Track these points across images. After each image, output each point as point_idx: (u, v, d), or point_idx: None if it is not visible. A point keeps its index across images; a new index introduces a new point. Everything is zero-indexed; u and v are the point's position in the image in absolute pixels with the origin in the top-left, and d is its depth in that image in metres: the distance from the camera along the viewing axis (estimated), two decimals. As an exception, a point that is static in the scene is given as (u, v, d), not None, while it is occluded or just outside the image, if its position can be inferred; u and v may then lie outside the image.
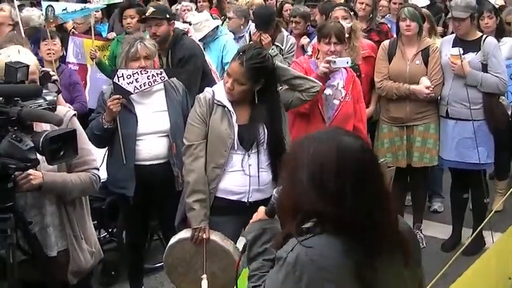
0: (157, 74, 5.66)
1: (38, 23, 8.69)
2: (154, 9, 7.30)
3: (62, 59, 8.45)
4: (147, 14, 7.29)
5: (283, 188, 2.82)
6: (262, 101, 5.10)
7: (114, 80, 5.62)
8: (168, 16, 7.25)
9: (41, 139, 3.62)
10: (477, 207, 7.35)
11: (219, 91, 5.11)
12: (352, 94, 6.21)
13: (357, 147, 2.66)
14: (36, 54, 7.93)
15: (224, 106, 5.05)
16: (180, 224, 5.31)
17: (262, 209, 3.25)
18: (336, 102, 6.14)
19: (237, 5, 11.40)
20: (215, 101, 5.06)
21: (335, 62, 5.83)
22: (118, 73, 5.61)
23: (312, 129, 5.85)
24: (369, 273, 2.59)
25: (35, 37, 8.26)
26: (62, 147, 3.72)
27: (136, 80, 5.60)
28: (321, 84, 5.52)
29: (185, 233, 5.14)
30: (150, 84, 5.65)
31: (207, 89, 5.20)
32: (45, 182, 4.07)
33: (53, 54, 7.58)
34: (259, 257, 3.08)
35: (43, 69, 5.29)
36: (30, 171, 3.93)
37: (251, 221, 3.26)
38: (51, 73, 5.45)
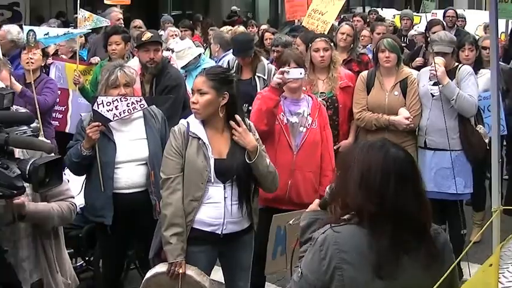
0: (136, 101, 5.66)
1: (17, 38, 8.70)
2: (152, 34, 7.34)
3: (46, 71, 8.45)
4: (144, 39, 7.33)
5: (336, 185, 3.30)
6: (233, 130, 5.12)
7: (93, 107, 5.61)
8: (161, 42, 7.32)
9: (29, 166, 3.59)
10: (454, 238, 7.33)
11: (194, 123, 5.11)
12: (318, 121, 6.24)
13: (402, 154, 3.19)
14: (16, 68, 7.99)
15: (199, 138, 5.05)
16: (155, 256, 5.27)
17: (316, 201, 3.66)
18: (303, 129, 6.18)
19: (218, 31, 11.50)
20: (190, 134, 5.06)
21: (289, 72, 5.84)
22: (98, 100, 5.61)
23: (280, 158, 5.97)
24: (390, 267, 3.03)
25: (14, 52, 8.28)
26: (47, 175, 3.71)
27: (116, 107, 5.60)
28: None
29: (161, 267, 5.11)
30: (129, 111, 5.65)
31: (182, 121, 5.20)
32: (29, 210, 4.06)
33: (32, 63, 7.57)
34: (309, 241, 3.39)
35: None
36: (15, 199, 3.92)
37: (306, 210, 3.68)
38: None
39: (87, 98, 8.43)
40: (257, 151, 5.07)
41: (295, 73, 5.85)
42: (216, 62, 9.75)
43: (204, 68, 5.55)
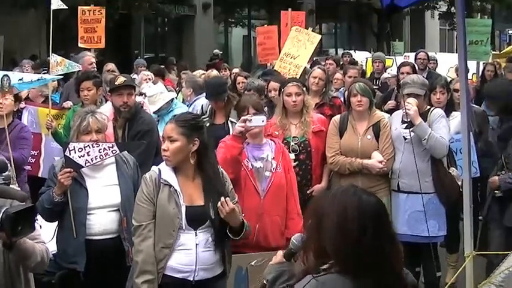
0: (108, 147, 5.65)
1: None
2: (125, 79, 7.36)
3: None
4: (117, 83, 7.34)
5: (310, 234, 3.24)
6: (204, 177, 5.13)
7: (65, 153, 5.60)
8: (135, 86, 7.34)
9: (1, 215, 3.57)
10: (429, 281, 7.38)
11: (165, 170, 5.11)
12: (282, 165, 6.31)
13: (374, 199, 3.19)
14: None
15: (170, 185, 5.04)
16: None
17: (280, 253, 3.65)
18: (268, 174, 6.25)
19: (190, 75, 11.54)
20: (161, 181, 5.05)
21: (251, 120, 5.90)
22: (69, 146, 5.60)
23: (247, 203, 5.97)
24: None
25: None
26: (20, 223, 3.68)
27: (87, 153, 5.59)
28: None
29: None
30: (101, 157, 5.64)
31: (153, 168, 5.19)
32: (18, 241, 4.03)
33: (2, 109, 7.53)
34: None
35: None
36: None
37: (270, 263, 3.65)
38: None
39: (60, 143, 8.39)
40: (243, 228, 5.10)
41: (257, 121, 5.93)
42: (188, 106, 9.77)
43: (174, 115, 5.55)
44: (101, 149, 5.62)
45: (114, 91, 7.42)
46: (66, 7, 10.66)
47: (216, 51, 25.19)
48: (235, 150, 5.95)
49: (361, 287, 3.03)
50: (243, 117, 6.02)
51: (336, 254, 3.07)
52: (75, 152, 5.58)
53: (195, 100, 9.85)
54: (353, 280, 3.04)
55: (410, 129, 6.94)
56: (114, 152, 5.68)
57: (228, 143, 6.04)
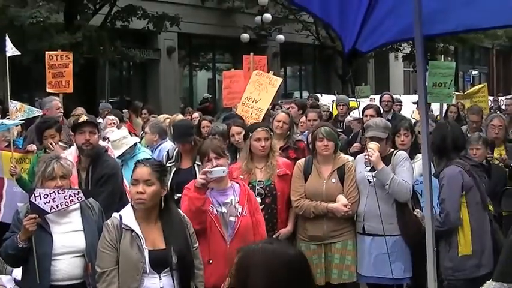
0: (74, 194, 5.66)
1: None
2: (87, 117, 7.35)
3: None
4: (80, 121, 7.31)
5: None
6: (166, 221, 5.18)
7: (30, 199, 5.57)
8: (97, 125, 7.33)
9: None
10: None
11: (126, 215, 5.15)
12: (248, 208, 6.28)
13: (298, 255, 3.12)
14: None
15: (132, 230, 5.07)
16: None
17: None
18: (233, 219, 6.21)
19: (155, 120, 11.55)
20: (123, 226, 5.09)
21: (211, 172, 5.91)
22: (35, 192, 5.57)
23: (214, 249, 5.98)
24: None
25: None
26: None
27: (53, 199, 5.58)
28: None
29: None
30: (66, 204, 5.63)
31: (115, 215, 5.22)
32: None
33: None
34: None
35: None
36: None
37: None
38: None
39: (24, 188, 8.34)
40: None
41: (218, 172, 5.96)
42: (152, 151, 9.76)
43: (138, 160, 5.60)
44: (66, 195, 5.61)
45: (77, 129, 7.36)
46: (19, 53, 10.64)
47: (206, 94, 25.29)
48: (199, 201, 5.93)
49: None
50: (203, 169, 6.05)
51: None
52: (40, 198, 5.56)
53: (159, 144, 9.86)
54: None
55: (373, 174, 7.00)
56: (79, 198, 5.68)
57: (191, 195, 5.99)
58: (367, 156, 7.09)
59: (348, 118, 13.34)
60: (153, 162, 5.34)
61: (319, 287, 7.30)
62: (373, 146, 7.14)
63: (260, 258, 3.05)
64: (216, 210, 6.17)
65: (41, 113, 10.05)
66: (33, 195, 5.57)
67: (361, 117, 10.43)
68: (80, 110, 11.85)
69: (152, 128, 10.29)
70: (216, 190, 6.23)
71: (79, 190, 5.82)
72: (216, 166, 6.07)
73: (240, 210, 6.22)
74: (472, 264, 6.83)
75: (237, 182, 6.40)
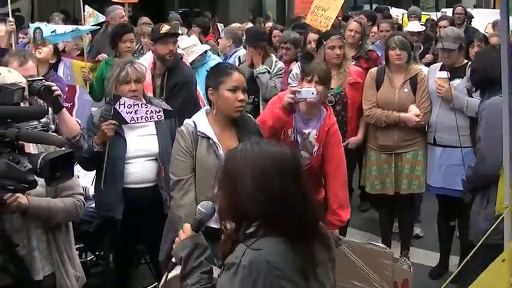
0: (155, 111, 5.74)
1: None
2: (169, 27, 7.35)
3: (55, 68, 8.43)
4: (162, 31, 7.31)
5: (226, 199, 3.04)
6: (241, 128, 5.02)
7: (115, 106, 5.66)
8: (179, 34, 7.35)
9: (40, 161, 3.58)
10: (464, 234, 7.34)
11: (200, 122, 4.99)
12: (327, 141, 5.83)
13: (288, 152, 3.05)
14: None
15: (209, 138, 4.92)
16: (166, 260, 4.94)
17: (187, 226, 3.37)
18: (306, 155, 5.86)
19: (230, 27, 11.49)
20: (199, 133, 4.93)
21: (300, 92, 5.49)
22: (121, 100, 5.67)
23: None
24: (312, 266, 2.98)
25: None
26: (58, 169, 3.70)
27: (135, 111, 5.68)
28: None
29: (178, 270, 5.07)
30: (146, 119, 5.72)
31: (188, 121, 5.06)
32: (31, 206, 4.06)
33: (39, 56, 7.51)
34: (196, 270, 3.20)
35: (45, 83, 5.17)
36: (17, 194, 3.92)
37: (178, 238, 3.36)
38: (54, 88, 5.30)
39: (93, 95, 8.47)
40: None
41: (307, 93, 5.50)
42: (227, 57, 9.75)
43: (229, 65, 5.50)
44: (148, 110, 5.71)
45: (160, 40, 7.35)
46: None
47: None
48: (279, 122, 5.60)
49: (296, 244, 2.93)
50: (292, 89, 5.73)
51: (263, 213, 2.92)
52: (124, 107, 5.65)
53: (234, 52, 9.80)
54: (287, 241, 2.91)
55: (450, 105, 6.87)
56: (159, 117, 5.76)
57: (275, 112, 5.63)
58: (438, 90, 6.94)
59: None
60: (240, 70, 5.15)
61: (389, 196, 7.34)
62: (440, 82, 6.99)
63: (247, 160, 2.98)
64: (294, 137, 5.86)
65: (104, 19, 10.11)
66: (118, 102, 5.66)
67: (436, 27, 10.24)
68: (145, 18, 11.80)
69: (227, 33, 10.19)
70: (301, 116, 5.87)
71: (160, 109, 5.80)
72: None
73: (315, 148, 5.86)
74: None
75: (326, 108, 5.97)
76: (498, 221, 4.17)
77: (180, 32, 8.45)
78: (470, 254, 4.27)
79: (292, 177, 2.96)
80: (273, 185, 2.91)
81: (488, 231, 4.21)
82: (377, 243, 5.52)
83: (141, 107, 5.68)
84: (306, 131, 5.87)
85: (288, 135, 5.84)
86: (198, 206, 3.40)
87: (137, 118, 5.68)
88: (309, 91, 5.50)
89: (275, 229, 2.91)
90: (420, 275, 7.20)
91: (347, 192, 6.02)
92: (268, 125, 5.56)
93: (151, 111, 5.71)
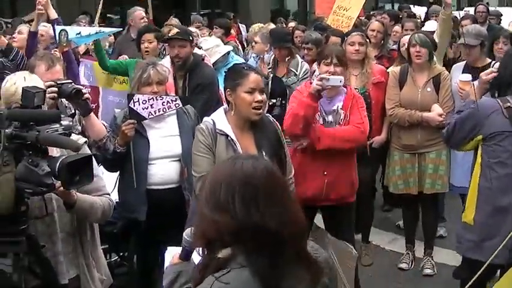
0: (172, 100, 5.72)
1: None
2: (178, 30, 7.36)
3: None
4: (170, 34, 7.34)
5: (196, 223, 2.80)
6: (259, 128, 5.10)
7: (129, 105, 5.66)
8: (191, 38, 7.33)
9: (58, 164, 3.61)
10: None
11: (219, 120, 5.06)
12: (351, 112, 6.16)
13: (250, 163, 2.74)
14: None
15: (227, 135, 4.99)
16: None
17: (176, 255, 3.27)
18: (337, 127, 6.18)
19: (257, 29, 11.51)
20: (217, 131, 5.00)
21: (328, 79, 5.76)
22: (134, 98, 5.65)
23: (317, 155, 5.97)
24: None
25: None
26: (77, 173, 3.73)
27: (151, 105, 5.66)
28: None
29: None
30: (164, 110, 5.70)
31: (207, 119, 5.14)
32: (78, 199, 4.09)
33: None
34: None
35: (76, 86, 5.26)
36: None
37: (166, 265, 3.32)
38: (84, 91, 5.32)
39: (99, 55, 8.65)
40: None
41: (335, 81, 5.80)
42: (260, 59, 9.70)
43: (246, 65, 5.46)
44: (164, 101, 5.67)
45: (168, 43, 7.48)
46: None
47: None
48: (310, 109, 5.82)
49: (267, 275, 2.61)
50: (321, 76, 5.88)
51: (220, 233, 2.65)
52: (139, 104, 5.64)
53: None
54: (256, 272, 2.61)
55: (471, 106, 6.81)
56: (177, 105, 5.73)
57: (303, 101, 5.86)
58: (460, 92, 6.89)
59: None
60: (259, 72, 5.19)
61: (413, 196, 7.32)
62: (462, 85, 6.94)
63: (224, 174, 2.72)
64: (324, 119, 6.13)
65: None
66: (132, 100, 5.65)
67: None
68: (174, 20, 11.84)
69: (263, 37, 10.18)
70: (324, 98, 6.10)
71: (176, 97, 5.84)
72: (334, 73, 5.97)
73: (342, 116, 6.15)
74: (470, 239, 5.48)
75: (345, 86, 6.24)
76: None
77: (195, 35, 8.50)
78: (493, 255, 4.22)
79: (261, 197, 2.66)
80: (221, 199, 2.66)
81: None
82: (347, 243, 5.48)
83: (156, 99, 5.65)
84: (335, 107, 6.16)
85: (317, 120, 6.07)
86: (184, 234, 3.21)
87: (154, 112, 5.66)
88: (337, 79, 5.82)
89: (247, 256, 2.63)
90: (444, 275, 7.18)
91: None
92: (301, 116, 5.79)
93: (168, 101, 5.68)
